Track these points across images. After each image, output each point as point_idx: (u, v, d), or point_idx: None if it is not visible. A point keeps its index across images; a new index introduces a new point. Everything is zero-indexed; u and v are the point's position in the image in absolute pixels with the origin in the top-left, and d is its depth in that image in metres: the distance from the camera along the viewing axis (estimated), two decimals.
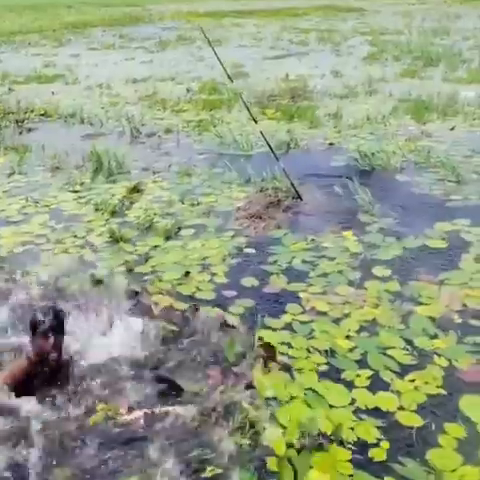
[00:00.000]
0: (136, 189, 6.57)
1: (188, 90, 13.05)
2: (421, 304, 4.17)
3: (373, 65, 15.26)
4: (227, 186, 6.62)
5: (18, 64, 18.49)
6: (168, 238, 5.40)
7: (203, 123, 9.70)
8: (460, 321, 3.93)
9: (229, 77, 6.76)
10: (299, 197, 6.01)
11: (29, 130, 10.05)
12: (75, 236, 5.46)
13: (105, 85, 14.13)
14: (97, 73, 16.19)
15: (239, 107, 11.05)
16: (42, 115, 11.12)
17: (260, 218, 5.69)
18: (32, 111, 11.31)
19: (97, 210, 6.10)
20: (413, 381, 3.32)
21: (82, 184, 6.91)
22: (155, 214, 5.94)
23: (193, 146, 8.52)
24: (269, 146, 5.93)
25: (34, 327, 2.94)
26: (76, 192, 6.68)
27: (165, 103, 11.69)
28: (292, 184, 5.97)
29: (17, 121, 10.71)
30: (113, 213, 6.01)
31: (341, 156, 7.44)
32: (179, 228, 5.59)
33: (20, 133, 10.09)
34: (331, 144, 8.24)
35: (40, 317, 2.93)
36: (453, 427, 2.97)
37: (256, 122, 6.78)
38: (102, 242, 5.36)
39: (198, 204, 6.18)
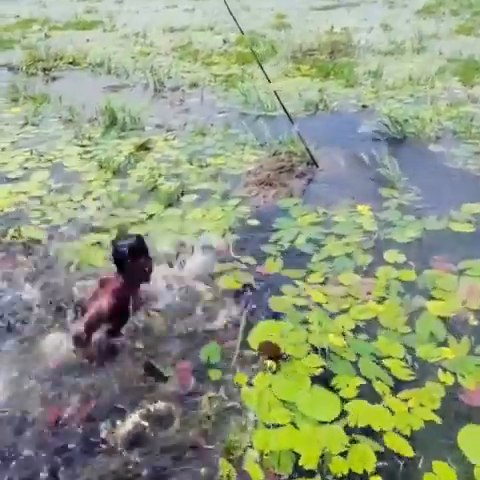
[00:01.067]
0: (144, 146, 6.18)
1: (225, 41, 12.39)
2: (434, 299, 3.57)
3: (427, 19, 14.08)
4: (240, 148, 6.14)
5: (61, 10, 18.15)
6: (169, 205, 4.98)
7: (232, 78, 9.12)
8: (476, 323, 3.33)
9: (240, 30, 6.14)
10: (315, 163, 5.48)
11: (54, 79, 9.75)
12: (70, 200, 5.13)
13: (141, 33, 13.63)
14: (137, 20, 15.67)
15: (274, 61, 10.41)
16: (70, 63, 10.79)
17: (270, 185, 5.21)
18: (61, 59, 10.98)
19: (101, 167, 5.76)
20: (406, 401, 2.79)
21: (91, 139, 6.56)
22: (160, 175, 5.54)
23: (216, 103, 8.00)
24: (283, 108, 5.38)
25: (122, 253, 3.08)
26: (83, 146, 6.35)
27: (197, 55, 11.12)
28: (307, 149, 5.44)
29: (45, 69, 10.43)
30: (116, 172, 5.65)
31: (372, 121, 6.77)
32: (182, 193, 5.18)
33: (46, 82, 9.82)
34: (364, 106, 7.55)
35: (124, 244, 3.10)
36: (442, 467, 2.43)
37: (270, 82, 6.20)
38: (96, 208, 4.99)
39: (207, 166, 5.73)
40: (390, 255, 4.10)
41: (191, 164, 5.79)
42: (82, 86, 9.12)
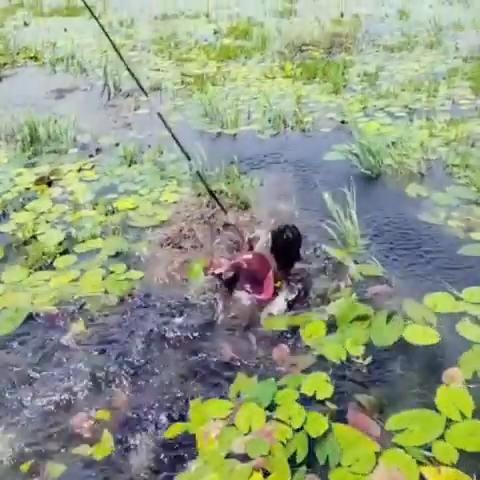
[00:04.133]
0: (46, 179, 4.95)
1: (215, 32, 10.98)
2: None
3: (454, 5, 12.29)
4: (165, 184, 4.82)
5: None
6: (38, 268, 3.77)
7: (201, 80, 7.74)
8: None
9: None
10: (224, 211, 4.01)
11: (0, 79, 8.57)
12: None
13: (128, 21, 12.29)
14: (131, 5, 14.31)
15: (260, 57, 9.00)
16: (32, 58, 9.59)
17: (180, 248, 3.89)
18: (25, 52, 9.82)
19: None
20: None
21: None
22: (47, 222, 4.33)
23: (169, 115, 6.65)
24: (175, 139, 3.84)
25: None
26: None
27: (176, 49, 9.77)
28: (211, 192, 3.93)
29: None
30: None
31: (345, 145, 5.31)
32: (63, 252, 3.94)
33: None
34: (343, 122, 6.10)
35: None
36: None
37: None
38: None
39: (113, 212, 4.46)
40: None
41: (94, 208, 4.54)
42: (26, 89, 7.91)
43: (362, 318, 3.03)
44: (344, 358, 2.79)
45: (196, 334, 3.01)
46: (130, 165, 5.27)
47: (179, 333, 3.01)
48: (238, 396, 2.61)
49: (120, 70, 7.95)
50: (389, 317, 3.01)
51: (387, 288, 3.29)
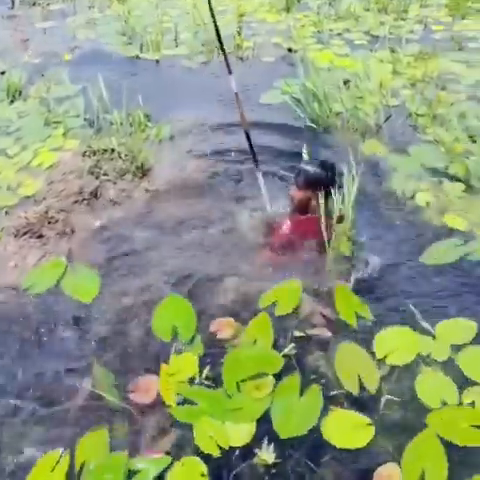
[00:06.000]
0: None
1: None
2: None
3: None
4: (48, 134, 3.70)
5: None
6: None
7: None
8: None
9: None
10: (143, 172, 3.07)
11: None
12: None
13: None
14: None
15: None
16: None
17: (40, 237, 2.86)
18: None
19: None
20: None
21: None
22: None
23: (79, 31, 5.40)
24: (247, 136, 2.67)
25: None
26: None
27: None
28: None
29: None
30: None
31: (286, 85, 4.21)
32: None
33: None
34: (290, 51, 4.98)
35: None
36: None
37: None
38: None
39: None
40: None
41: None
42: None
43: None
44: None
45: None
46: (12, 102, 4.11)
47: None
48: None
49: None
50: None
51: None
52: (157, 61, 4.86)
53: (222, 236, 2.72)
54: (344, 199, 2.49)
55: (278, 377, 1.99)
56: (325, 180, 2.46)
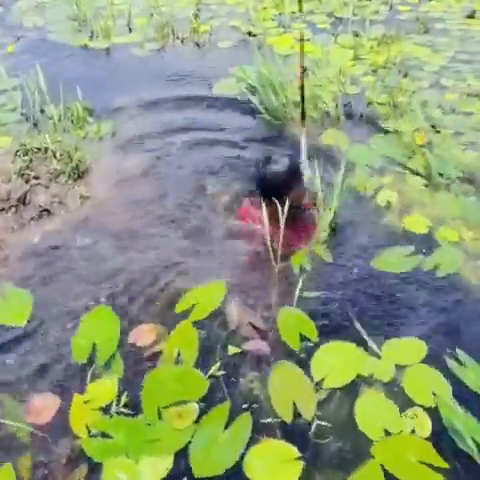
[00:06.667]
0: None
1: None
2: None
3: None
4: None
5: None
6: None
7: None
8: None
9: None
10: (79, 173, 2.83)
11: None
12: None
13: None
14: None
15: None
16: None
17: None
18: None
19: None
20: None
21: None
22: None
23: (25, 18, 5.08)
24: None
25: None
26: None
27: None
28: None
29: None
30: None
31: (242, 73, 3.97)
32: None
33: None
34: (249, 35, 4.72)
35: None
36: None
37: None
38: None
39: None
40: None
41: None
42: None
43: None
44: None
45: None
46: None
47: None
48: None
49: None
50: None
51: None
52: (107, 50, 4.57)
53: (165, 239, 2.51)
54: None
55: (205, 399, 1.80)
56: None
